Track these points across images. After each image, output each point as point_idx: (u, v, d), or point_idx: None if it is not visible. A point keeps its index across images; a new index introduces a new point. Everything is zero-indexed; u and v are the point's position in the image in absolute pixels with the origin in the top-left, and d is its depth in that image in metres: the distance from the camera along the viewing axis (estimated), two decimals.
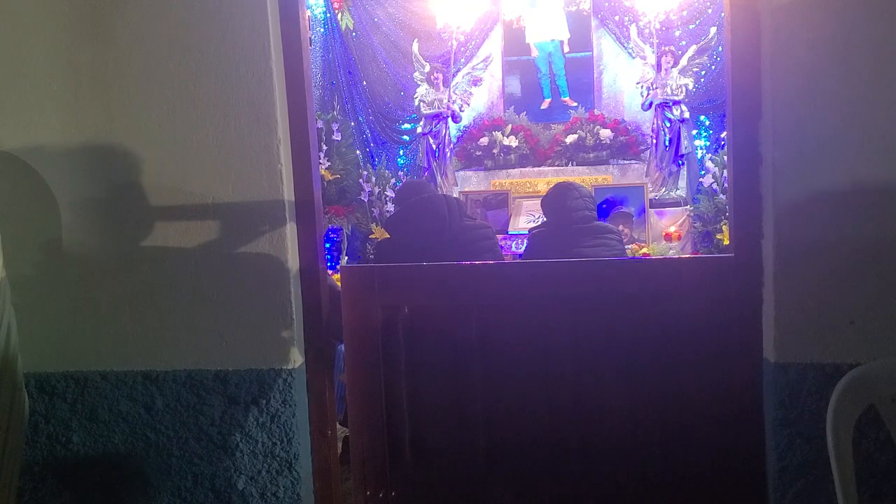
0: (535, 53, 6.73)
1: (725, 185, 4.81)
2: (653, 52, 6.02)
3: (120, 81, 1.87)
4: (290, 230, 1.88)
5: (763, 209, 1.73)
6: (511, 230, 5.95)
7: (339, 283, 2.12)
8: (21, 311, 1.86)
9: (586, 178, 6.09)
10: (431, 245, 2.83)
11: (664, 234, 5.85)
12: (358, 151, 6.60)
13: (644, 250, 5.56)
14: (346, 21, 6.95)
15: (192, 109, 1.85)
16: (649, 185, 6.02)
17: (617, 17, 6.54)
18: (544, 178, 6.29)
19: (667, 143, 6.01)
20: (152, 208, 1.89)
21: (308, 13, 3.91)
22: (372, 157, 6.97)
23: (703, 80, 6.20)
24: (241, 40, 1.82)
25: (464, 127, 6.82)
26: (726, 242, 4.97)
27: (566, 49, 6.65)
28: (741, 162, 1.76)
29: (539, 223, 4.14)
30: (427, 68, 6.54)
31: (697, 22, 6.26)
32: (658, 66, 5.99)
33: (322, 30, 6.84)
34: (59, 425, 1.97)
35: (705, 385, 1.86)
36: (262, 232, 1.86)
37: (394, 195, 6.31)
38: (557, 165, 6.53)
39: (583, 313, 1.92)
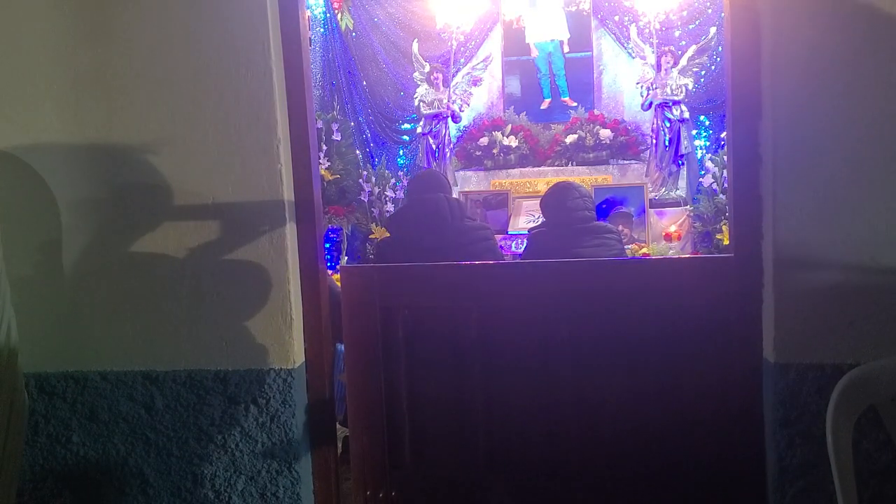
0: (534, 53, 6.73)
1: (725, 185, 4.81)
2: (653, 52, 6.02)
3: (120, 81, 1.87)
4: (290, 230, 1.88)
5: (763, 209, 1.73)
6: (511, 230, 5.95)
7: (339, 283, 2.12)
8: (21, 311, 1.85)
9: (586, 178, 6.09)
10: (431, 245, 2.83)
11: (664, 234, 5.84)
12: (358, 151, 6.60)
13: (644, 250, 5.55)
14: (345, 21, 6.95)
15: (192, 109, 1.85)
16: (649, 185, 6.02)
17: (617, 17, 6.54)
18: (544, 178, 6.28)
19: (667, 143, 6.01)
20: (152, 208, 1.89)
21: (308, 13, 3.91)
22: (372, 157, 6.97)
23: (703, 80, 6.20)
24: (241, 40, 1.82)
25: (464, 127, 6.81)
26: (726, 242, 4.96)
27: (566, 49, 6.65)
28: (741, 162, 1.76)
29: (539, 223, 4.14)
30: (427, 68, 6.54)
31: (697, 22, 6.26)
32: (658, 66, 5.98)
33: (322, 30, 6.83)
34: (59, 425, 1.97)
35: (705, 385, 1.86)
36: (262, 232, 1.86)
37: (396, 193, 6.33)
38: (557, 165, 6.52)
39: (582, 313, 1.92)
